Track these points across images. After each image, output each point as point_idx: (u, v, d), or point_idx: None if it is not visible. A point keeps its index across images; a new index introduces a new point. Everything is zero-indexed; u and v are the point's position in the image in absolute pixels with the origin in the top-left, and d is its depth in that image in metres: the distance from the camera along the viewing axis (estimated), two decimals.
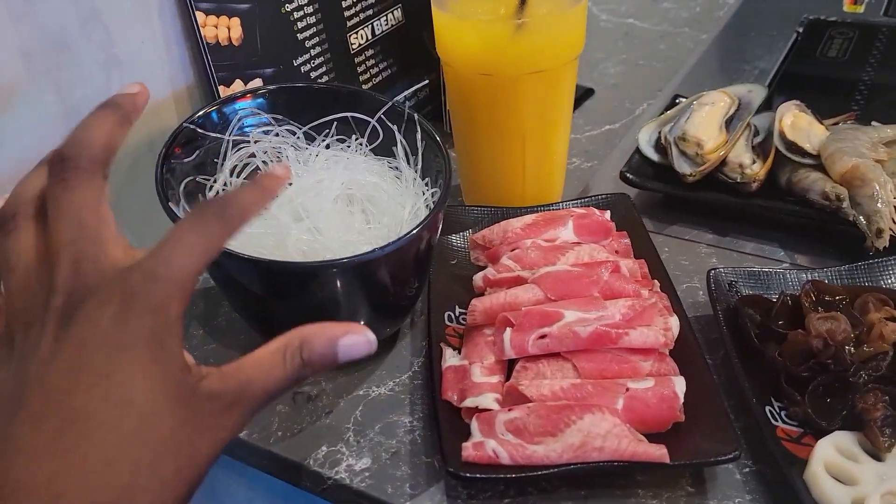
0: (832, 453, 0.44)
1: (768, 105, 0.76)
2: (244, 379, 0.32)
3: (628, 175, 0.70)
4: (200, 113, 0.55)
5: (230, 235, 0.32)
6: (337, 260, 0.47)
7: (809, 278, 0.54)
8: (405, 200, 0.54)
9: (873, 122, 0.71)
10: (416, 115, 0.57)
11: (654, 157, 0.72)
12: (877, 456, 0.45)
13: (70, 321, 0.29)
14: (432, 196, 0.55)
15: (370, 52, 0.77)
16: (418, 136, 0.57)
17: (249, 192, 0.33)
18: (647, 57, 0.98)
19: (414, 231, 0.49)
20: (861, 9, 1.04)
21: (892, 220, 0.59)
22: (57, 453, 0.27)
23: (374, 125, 0.58)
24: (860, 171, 0.61)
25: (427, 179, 0.57)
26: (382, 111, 0.58)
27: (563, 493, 0.46)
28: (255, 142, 0.57)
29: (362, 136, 0.59)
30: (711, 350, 0.55)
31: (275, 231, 0.51)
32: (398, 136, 0.58)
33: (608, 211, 0.62)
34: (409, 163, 0.58)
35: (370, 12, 0.76)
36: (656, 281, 0.57)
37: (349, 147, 0.59)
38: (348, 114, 0.58)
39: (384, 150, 0.59)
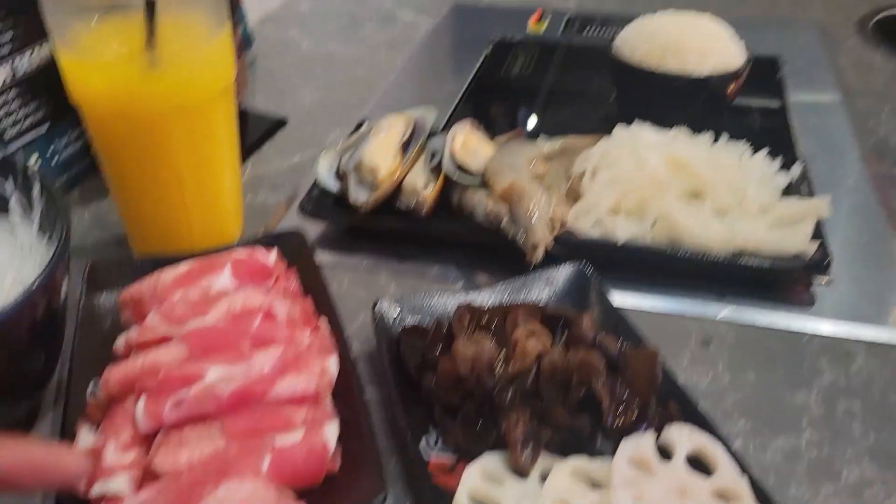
0: (476, 480, 0.44)
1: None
2: None
3: (307, 207, 0.67)
4: None
5: None
6: None
7: (463, 301, 0.54)
8: (12, 266, 0.47)
9: (539, 137, 0.75)
10: (28, 166, 0.51)
11: (335, 186, 0.70)
12: (523, 474, 0.45)
13: None
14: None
15: (12, 94, 0.68)
16: (35, 189, 0.50)
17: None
18: (343, 83, 0.97)
19: (16, 302, 0.42)
20: (543, 28, 1.11)
21: (548, 232, 0.62)
22: None
23: None
24: (517, 188, 0.63)
25: (50, 234, 0.50)
26: None
27: None
28: None
29: None
30: (381, 385, 0.54)
31: None
32: (11, 192, 0.51)
33: (274, 250, 0.59)
34: (27, 219, 0.51)
35: (6, 49, 0.67)
36: (323, 317, 0.54)
37: None
38: None
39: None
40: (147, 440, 0.46)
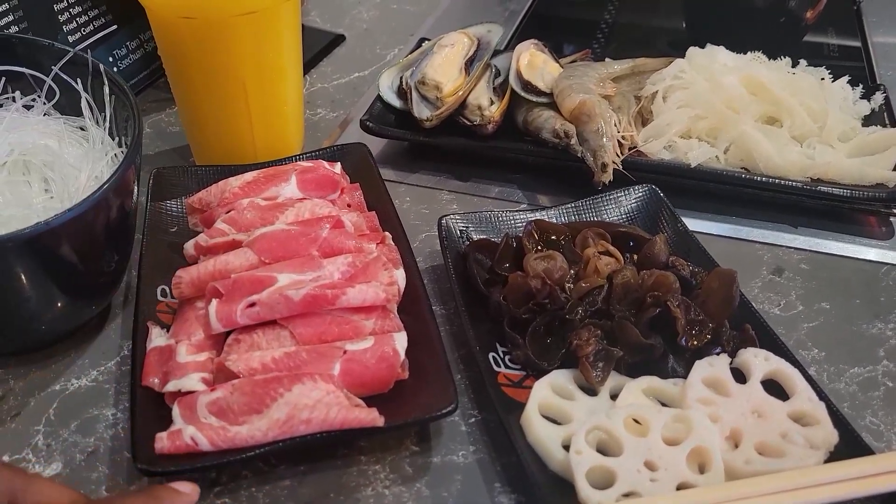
0: (547, 394, 0.43)
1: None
2: None
3: (368, 123, 0.66)
4: None
5: None
6: None
7: (532, 218, 0.53)
8: (86, 164, 0.47)
9: (606, 59, 0.73)
10: (101, 66, 0.50)
11: (397, 103, 0.69)
12: (592, 391, 0.44)
13: None
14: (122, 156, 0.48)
15: None
16: (106, 88, 0.50)
17: None
18: (400, 1, 0.95)
19: (92, 198, 0.42)
20: None
21: (617, 154, 0.60)
22: None
23: (53, 78, 0.51)
24: (587, 107, 0.61)
25: (120, 138, 0.50)
26: (63, 62, 0.50)
27: (281, 471, 0.43)
28: None
29: (41, 92, 0.51)
30: (446, 300, 0.53)
31: None
32: (82, 91, 0.50)
33: (338, 163, 0.58)
34: (97, 121, 0.51)
35: None
36: (388, 233, 0.54)
37: (31, 106, 0.51)
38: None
39: (72, 107, 0.52)
40: (217, 342, 0.46)
